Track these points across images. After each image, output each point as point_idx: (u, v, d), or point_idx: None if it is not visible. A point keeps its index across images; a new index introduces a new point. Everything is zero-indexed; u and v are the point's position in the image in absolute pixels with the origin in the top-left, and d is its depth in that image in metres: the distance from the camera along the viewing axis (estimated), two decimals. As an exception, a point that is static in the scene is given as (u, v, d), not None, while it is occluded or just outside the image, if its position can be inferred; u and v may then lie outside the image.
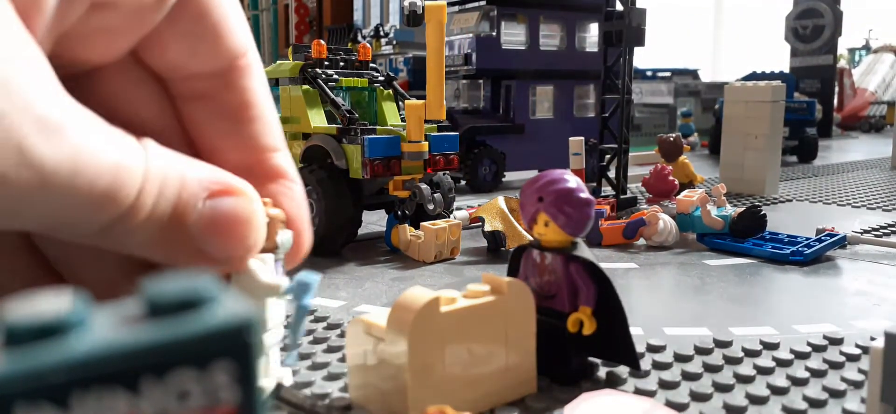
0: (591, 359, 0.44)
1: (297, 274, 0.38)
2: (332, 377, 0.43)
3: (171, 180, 0.21)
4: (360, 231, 0.81)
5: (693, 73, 2.92)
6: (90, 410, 0.13)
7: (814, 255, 0.73)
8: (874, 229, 0.89)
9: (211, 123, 0.24)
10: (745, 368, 0.43)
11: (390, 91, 0.91)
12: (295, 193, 0.25)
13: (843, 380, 0.42)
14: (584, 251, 0.42)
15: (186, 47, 0.22)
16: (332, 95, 0.81)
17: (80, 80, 0.21)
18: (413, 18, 1.24)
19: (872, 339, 0.45)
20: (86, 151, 0.18)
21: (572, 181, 0.41)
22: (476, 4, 1.39)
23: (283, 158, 0.25)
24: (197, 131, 0.24)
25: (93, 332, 0.13)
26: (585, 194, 0.41)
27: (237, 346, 0.13)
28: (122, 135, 0.20)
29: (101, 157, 0.18)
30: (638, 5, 1.03)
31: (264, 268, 0.25)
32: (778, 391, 0.40)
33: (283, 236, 0.25)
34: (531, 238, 0.43)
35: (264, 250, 0.27)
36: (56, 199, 0.18)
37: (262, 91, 0.25)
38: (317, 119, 0.82)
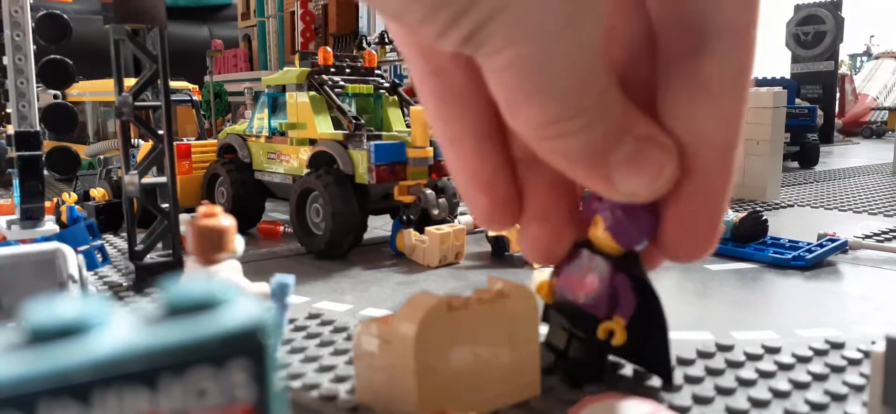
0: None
1: (274, 277, 0.39)
2: (340, 379, 0.43)
3: (615, 111, 0.25)
4: (366, 236, 0.82)
5: (695, 79, 2.91)
6: (111, 407, 0.13)
7: (815, 260, 0.73)
8: (875, 234, 0.90)
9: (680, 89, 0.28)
10: (747, 372, 0.44)
11: (395, 97, 0.92)
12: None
13: (845, 384, 0.42)
14: (638, 267, 0.39)
15: None
16: (339, 102, 0.81)
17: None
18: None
19: (873, 343, 0.45)
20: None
21: None
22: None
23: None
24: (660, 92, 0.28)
25: (113, 332, 0.13)
26: (646, 211, 0.35)
27: (253, 345, 0.14)
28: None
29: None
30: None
31: (240, 276, 0.26)
32: (780, 395, 0.41)
33: (239, 243, 0.26)
34: None
35: (224, 255, 0.29)
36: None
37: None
38: (323, 125, 0.83)
